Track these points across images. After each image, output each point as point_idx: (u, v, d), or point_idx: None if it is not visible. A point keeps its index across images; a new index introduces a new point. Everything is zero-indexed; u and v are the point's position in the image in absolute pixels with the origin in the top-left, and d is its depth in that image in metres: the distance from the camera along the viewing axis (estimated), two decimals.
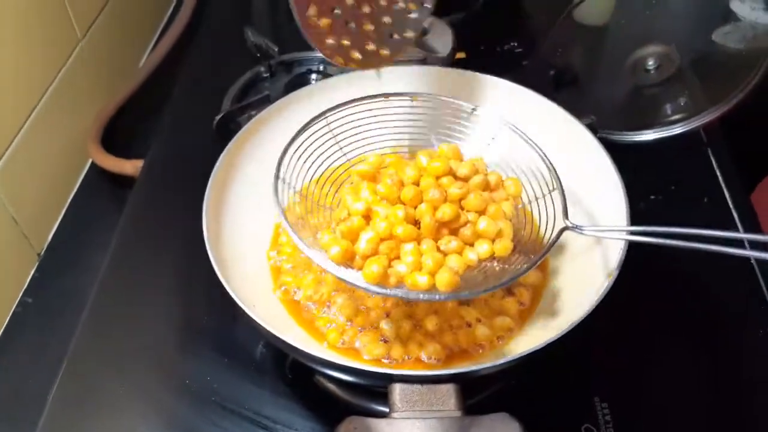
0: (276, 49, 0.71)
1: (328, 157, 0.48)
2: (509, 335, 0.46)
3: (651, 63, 0.72)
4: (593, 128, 0.59)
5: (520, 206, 0.46)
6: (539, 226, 0.45)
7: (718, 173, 0.66)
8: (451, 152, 0.46)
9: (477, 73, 0.57)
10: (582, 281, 0.45)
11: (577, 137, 0.53)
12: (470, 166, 0.45)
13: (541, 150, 0.46)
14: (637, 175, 0.64)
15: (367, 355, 0.45)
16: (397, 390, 0.36)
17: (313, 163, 0.47)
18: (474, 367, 0.37)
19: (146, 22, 0.88)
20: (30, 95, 0.62)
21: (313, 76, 0.70)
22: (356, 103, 0.48)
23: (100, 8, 0.74)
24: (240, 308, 0.41)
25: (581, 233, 0.42)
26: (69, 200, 0.69)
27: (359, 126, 0.49)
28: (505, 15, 0.83)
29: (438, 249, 0.41)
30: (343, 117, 0.48)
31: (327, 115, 0.47)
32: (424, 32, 0.60)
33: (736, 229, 0.59)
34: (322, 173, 0.48)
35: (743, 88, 0.63)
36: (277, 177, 0.43)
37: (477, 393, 0.45)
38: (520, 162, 0.47)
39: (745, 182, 0.66)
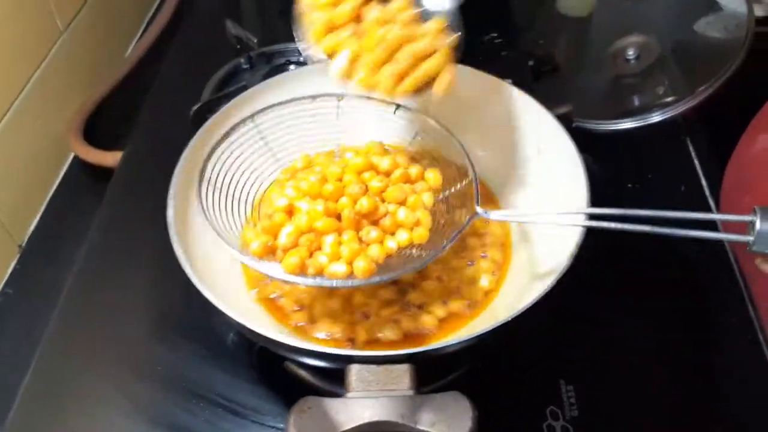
0: (255, 41, 0.71)
1: (258, 158, 0.51)
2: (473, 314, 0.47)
3: (631, 52, 0.72)
4: (569, 117, 0.60)
5: (440, 197, 0.48)
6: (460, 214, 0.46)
7: (696, 162, 0.66)
8: (375, 148, 0.49)
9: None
10: (546, 262, 0.46)
11: (535, 118, 0.54)
12: (391, 160, 0.47)
13: (460, 143, 0.48)
14: (615, 164, 0.65)
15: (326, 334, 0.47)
16: (354, 371, 0.36)
17: (241, 164, 0.49)
18: (429, 347, 0.37)
19: (131, 15, 0.88)
20: (10, 88, 0.62)
21: (292, 66, 0.71)
22: (283, 106, 0.50)
23: (83, 1, 0.75)
24: (196, 288, 0.41)
25: (488, 218, 0.44)
26: (50, 193, 0.69)
27: (290, 127, 0.51)
28: (487, 6, 0.82)
29: (360, 239, 0.44)
30: (271, 119, 0.50)
31: (254, 117, 0.49)
32: None
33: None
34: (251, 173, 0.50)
35: (721, 76, 0.64)
36: (201, 179, 0.45)
37: (439, 378, 0.45)
38: (443, 153, 0.49)
39: (722, 171, 0.65)
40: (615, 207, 0.42)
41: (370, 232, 0.44)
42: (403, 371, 0.36)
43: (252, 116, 0.49)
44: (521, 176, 0.55)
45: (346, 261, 0.42)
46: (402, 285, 0.49)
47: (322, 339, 0.47)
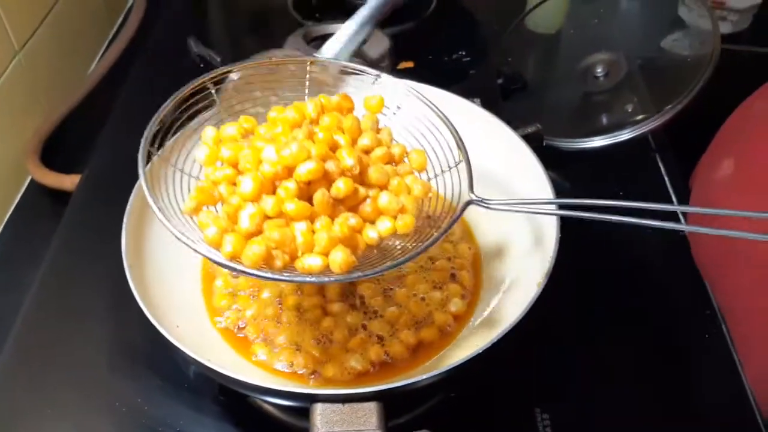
0: (219, 59, 0.70)
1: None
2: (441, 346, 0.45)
3: (600, 70, 0.72)
4: (538, 136, 0.59)
5: (425, 180, 0.43)
6: (450, 202, 0.42)
7: (666, 179, 0.66)
8: (345, 103, 0.43)
9: (404, 81, 0.56)
10: (519, 288, 0.45)
11: (504, 139, 0.53)
12: (372, 136, 0.41)
13: (448, 119, 0.43)
14: (585, 182, 0.65)
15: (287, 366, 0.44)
16: (318, 410, 0.35)
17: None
18: (397, 384, 0.35)
19: (92, 33, 0.86)
20: None
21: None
22: (248, 70, 0.45)
23: (40, 19, 0.72)
24: (155, 328, 0.39)
25: (487, 207, 0.40)
26: (6, 217, 0.67)
27: (256, 99, 0.45)
28: (456, 24, 0.82)
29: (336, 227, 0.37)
30: (234, 86, 0.45)
31: (211, 80, 0.43)
32: (363, 42, 0.60)
33: (683, 234, 0.59)
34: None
35: (689, 93, 0.64)
36: (147, 143, 0.40)
37: (408, 410, 0.44)
38: (426, 133, 0.45)
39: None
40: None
41: (349, 219, 0.38)
42: (371, 410, 0.34)
43: (210, 79, 0.43)
44: (490, 196, 0.54)
45: (321, 252, 0.36)
46: (368, 311, 0.47)
47: (285, 372, 0.44)
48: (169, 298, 0.45)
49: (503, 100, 0.70)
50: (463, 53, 0.76)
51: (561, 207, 0.42)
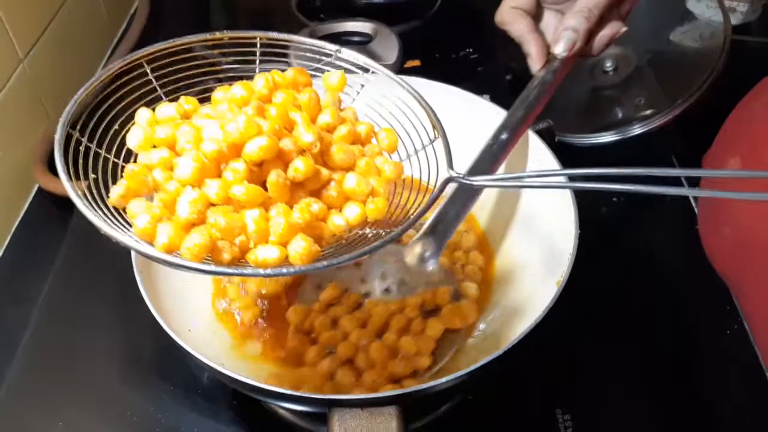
0: (223, 62, 0.69)
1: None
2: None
3: (609, 64, 0.71)
4: (550, 132, 0.58)
5: (397, 161, 0.38)
6: (425, 184, 0.37)
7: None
8: (300, 78, 0.37)
9: (419, 78, 0.55)
10: (532, 288, 0.44)
11: (524, 142, 0.52)
12: (334, 113, 0.36)
13: (419, 94, 0.39)
14: None
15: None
16: (336, 417, 0.34)
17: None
18: (416, 388, 0.35)
19: (96, 39, 0.86)
20: None
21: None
22: (183, 45, 0.39)
23: (44, 27, 0.72)
24: (166, 334, 0.38)
25: (470, 183, 0.35)
26: (15, 225, 0.66)
27: (190, 75, 0.40)
28: (461, 22, 0.82)
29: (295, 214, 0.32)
30: (168, 63, 0.39)
31: (147, 57, 0.38)
32: (369, 40, 0.59)
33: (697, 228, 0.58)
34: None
35: (700, 86, 0.63)
36: (65, 126, 0.34)
37: (427, 413, 0.43)
38: (396, 112, 0.41)
39: None
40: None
41: (311, 206, 0.32)
42: (390, 415, 0.34)
43: (143, 58, 0.38)
44: (504, 195, 0.53)
45: (278, 242, 0.31)
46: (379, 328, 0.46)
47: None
48: (180, 302, 0.44)
49: (511, 96, 0.69)
50: (471, 50, 0.75)
51: (572, 178, 0.38)
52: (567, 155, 0.50)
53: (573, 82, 0.74)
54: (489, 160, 0.46)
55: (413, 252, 0.45)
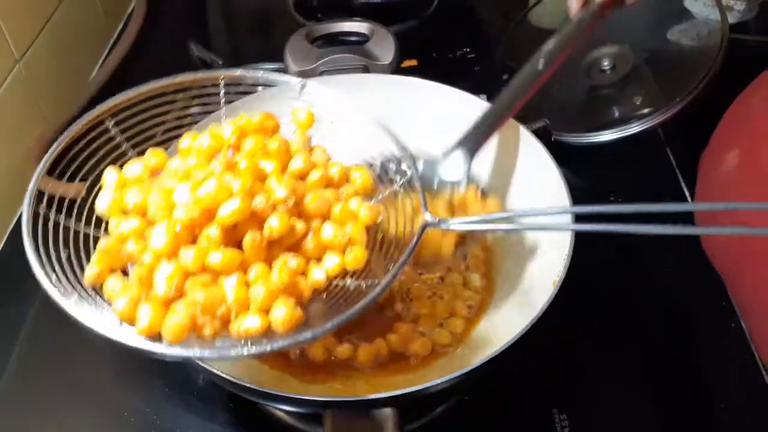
0: (220, 62, 0.69)
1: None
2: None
3: (606, 63, 0.71)
4: (547, 131, 0.58)
5: (372, 201, 0.37)
6: (401, 225, 0.36)
7: (678, 171, 0.65)
8: (267, 122, 0.36)
9: (415, 79, 0.55)
10: (529, 288, 0.44)
11: (513, 134, 0.52)
12: (305, 158, 0.35)
13: (391, 131, 0.38)
14: (596, 177, 0.64)
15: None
16: (330, 419, 0.34)
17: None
18: (412, 389, 0.34)
19: (93, 38, 0.85)
20: None
21: (260, 88, 0.68)
22: (144, 94, 0.37)
23: (40, 27, 0.72)
24: None
25: (446, 228, 0.35)
26: (10, 227, 0.66)
27: (155, 123, 0.38)
28: (458, 21, 0.82)
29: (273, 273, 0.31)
30: (131, 114, 0.37)
31: (109, 112, 0.37)
32: (366, 40, 0.59)
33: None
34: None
35: (698, 84, 0.63)
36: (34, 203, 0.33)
37: (423, 414, 0.43)
38: (370, 149, 0.39)
39: None
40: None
41: (289, 261, 0.31)
42: (386, 417, 0.33)
43: (107, 114, 0.37)
44: (501, 194, 0.53)
45: (258, 310, 0.30)
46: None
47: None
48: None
49: None
50: (467, 50, 0.75)
51: (577, 218, 0.39)
52: (564, 154, 0.50)
53: (570, 81, 0.74)
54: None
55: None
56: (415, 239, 0.34)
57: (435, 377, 0.35)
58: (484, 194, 0.44)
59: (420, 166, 0.42)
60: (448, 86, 0.56)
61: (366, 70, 0.61)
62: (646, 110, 0.66)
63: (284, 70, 0.68)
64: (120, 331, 0.30)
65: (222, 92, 0.39)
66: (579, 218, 0.40)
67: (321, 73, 0.63)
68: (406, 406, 0.35)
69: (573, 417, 0.45)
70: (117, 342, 0.30)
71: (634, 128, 0.65)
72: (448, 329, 0.46)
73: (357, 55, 0.63)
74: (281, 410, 0.46)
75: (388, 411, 0.34)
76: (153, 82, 0.39)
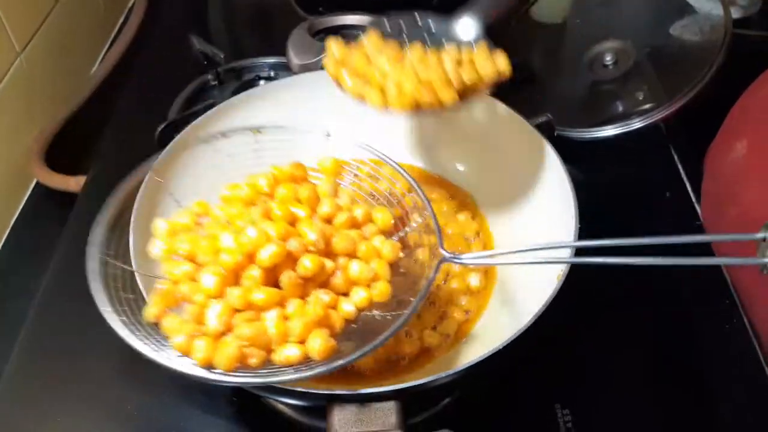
0: (222, 56, 0.69)
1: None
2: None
3: (608, 58, 0.71)
4: (550, 126, 0.58)
5: (394, 238, 0.41)
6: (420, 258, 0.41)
7: (680, 167, 0.65)
8: (298, 172, 0.41)
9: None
10: (532, 283, 0.44)
11: (516, 129, 0.52)
12: (332, 203, 0.40)
13: (406, 172, 0.42)
14: (598, 171, 0.64)
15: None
16: (335, 411, 0.34)
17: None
18: (416, 382, 0.35)
19: (94, 33, 0.85)
20: None
21: (262, 82, 0.68)
22: (188, 149, 0.44)
23: (41, 20, 0.72)
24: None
25: (460, 263, 0.39)
26: (12, 220, 0.66)
27: (198, 172, 0.45)
28: None
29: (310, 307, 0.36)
30: (174, 165, 0.44)
31: (155, 169, 0.44)
32: None
33: (699, 224, 0.58)
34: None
35: (701, 79, 0.63)
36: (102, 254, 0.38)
37: (426, 408, 0.43)
38: (388, 188, 0.44)
39: None
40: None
41: (320, 297, 0.36)
42: (390, 409, 0.34)
43: (153, 167, 0.43)
44: (505, 189, 0.53)
45: (297, 340, 0.35)
46: None
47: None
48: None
49: (511, 91, 0.69)
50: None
51: (578, 252, 0.40)
52: (566, 149, 0.50)
53: (572, 76, 0.74)
54: None
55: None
56: (432, 273, 0.38)
57: (438, 372, 0.35)
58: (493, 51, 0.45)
59: (431, 23, 0.46)
60: None
61: None
62: (648, 105, 0.65)
63: (286, 64, 0.67)
64: (180, 363, 0.34)
65: (256, 144, 0.44)
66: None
67: (323, 67, 0.63)
68: (410, 399, 0.35)
69: (576, 412, 0.45)
70: (179, 372, 0.34)
71: (636, 123, 0.65)
72: (441, 332, 0.46)
73: None
74: (285, 404, 0.46)
75: (391, 404, 0.34)
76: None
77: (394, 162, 0.43)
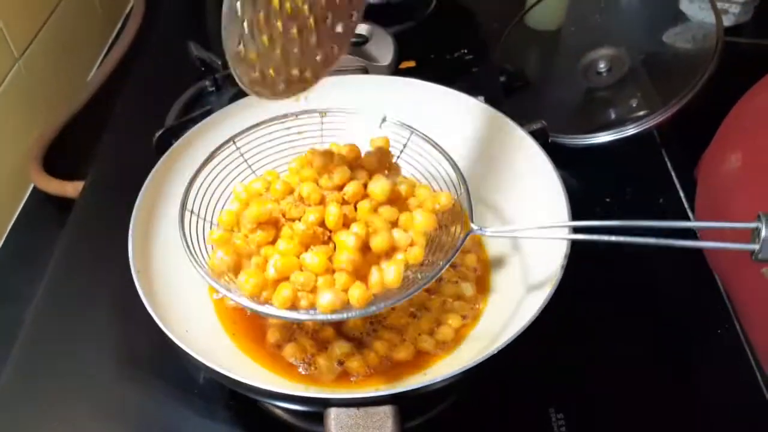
0: (220, 63, 0.69)
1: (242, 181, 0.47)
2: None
3: (602, 65, 0.72)
4: (544, 132, 0.59)
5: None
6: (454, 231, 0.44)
7: (673, 173, 0.65)
8: (353, 154, 0.45)
9: (413, 80, 0.56)
10: (527, 288, 0.44)
11: (510, 135, 0.53)
12: (382, 181, 0.43)
13: (448, 155, 0.46)
14: (592, 178, 0.64)
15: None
16: (332, 415, 0.34)
17: (224, 191, 0.46)
18: (412, 387, 0.35)
19: (91, 38, 0.86)
20: None
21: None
22: (264, 125, 0.47)
23: (39, 26, 0.72)
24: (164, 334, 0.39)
25: (484, 234, 0.43)
26: (9, 225, 0.66)
27: (271, 147, 0.48)
28: (456, 23, 0.82)
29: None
30: (252, 140, 0.47)
31: (235, 140, 0.47)
32: (365, 41, 0.59)
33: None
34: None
35: (693, 87, 0.63)
36: (183, 207, 0.42)
37: (422, 413, 0.43)
38: (431, 168, 0.48)
39: None
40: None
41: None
42: (386, 413, 0.34)
43: (233, 138, 0.47)
44: (498, 195, 0.54)
45: (341, 289, 0.40)
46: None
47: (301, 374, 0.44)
48: (177, 303, 0.44)
49: (506, 97, 0.70)
50: (465, 51, 0.75)
51: (575, 230, 0.43)
52: (561, 156, 0.51)
53: (566, 83, 0.75)
54: None
55: None
56: (459, 242, 0.42)
57: (435, 375, 0.36)
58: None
59: None
60: (446, 87, 0.56)
61: (365, 71, 0.62)
62: (641, 112, 0.66)
63: None
64: (248, 302, 0.40)
65: (322, 126, 0.49)
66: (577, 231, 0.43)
67: None
68: (406, 403, 0.36)
69: (569, 416, 0.45)
70: (250, 308, 0.40)
71: (630, 130, 0.65)
72: (437, 338, 0.46)
73: (356, 56, 0.64)
74: (281, 408, 0.47)
75: (387, 408, 0.34)
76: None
77: (441, 148, 0.47)
